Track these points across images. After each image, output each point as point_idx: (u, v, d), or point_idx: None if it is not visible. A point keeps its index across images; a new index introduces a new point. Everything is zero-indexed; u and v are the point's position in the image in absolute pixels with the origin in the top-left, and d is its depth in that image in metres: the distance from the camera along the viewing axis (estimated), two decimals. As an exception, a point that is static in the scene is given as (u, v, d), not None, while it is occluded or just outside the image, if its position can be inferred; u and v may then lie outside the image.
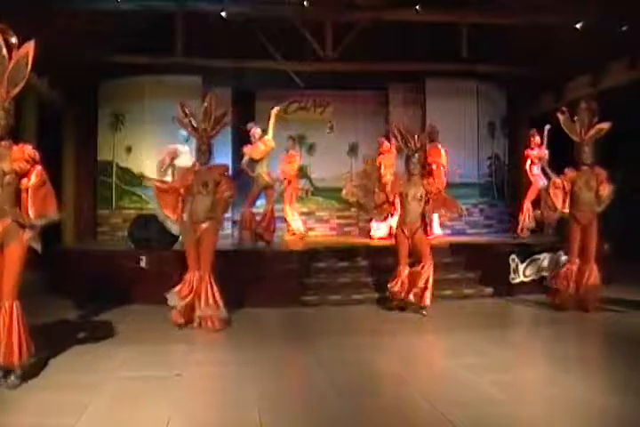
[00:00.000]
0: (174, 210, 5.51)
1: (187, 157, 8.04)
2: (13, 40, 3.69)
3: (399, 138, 6.34)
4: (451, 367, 4.24)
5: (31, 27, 6.60)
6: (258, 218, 8.31)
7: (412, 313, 6.07)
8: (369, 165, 10.86)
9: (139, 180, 9.85)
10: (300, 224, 9.28)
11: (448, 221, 8.94)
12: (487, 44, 9.49)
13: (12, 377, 3.63)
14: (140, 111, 10.07)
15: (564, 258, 6.83)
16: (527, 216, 9.02)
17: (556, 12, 8.27)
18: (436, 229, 8.84)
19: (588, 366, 4.19)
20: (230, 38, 9.57)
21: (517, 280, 7.48)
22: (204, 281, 5.33)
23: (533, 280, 7.43)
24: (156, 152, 8.91)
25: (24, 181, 3.72)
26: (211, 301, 5.31)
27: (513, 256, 7.52)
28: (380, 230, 9.14)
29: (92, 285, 6.75)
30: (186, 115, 5.55)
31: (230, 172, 5.89)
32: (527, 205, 9.06)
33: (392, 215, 7.61)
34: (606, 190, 6.08)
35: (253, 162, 8.25)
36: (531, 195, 9.06)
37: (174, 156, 8.31)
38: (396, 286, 6.15)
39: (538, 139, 8.97)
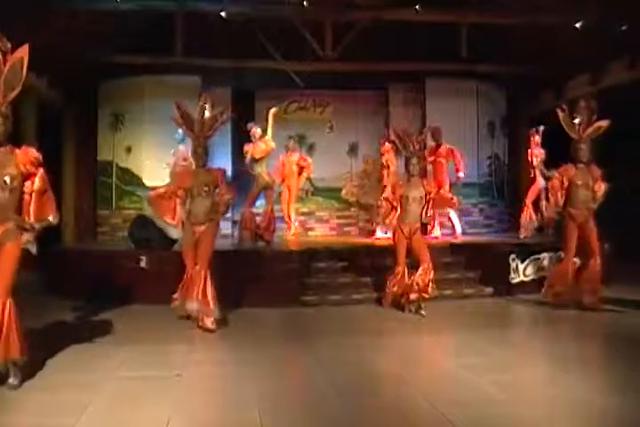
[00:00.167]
0: (173, 215, 5.49)
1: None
2: (7, 44, 3.67)
3: (398, 141, 6.34)
4: (451, 367, 4.25)
5: (31, 27, 6.64)
6: (258, 218, 8.31)
7: (412, 313, 6.07)
8: (369, 164, 10.86)
9: (139, 180, 9.85)
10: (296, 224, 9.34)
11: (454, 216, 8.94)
12: (487, 44, 9.49)
13: (11, 378, 3.61)
14: (140, 111, 10.07)
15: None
16: (529, 216, 9.02)
17: (555, 12, 8.27)
18: (436, 231, 8.85)
19: (588, 366, 4.18)
20: (230, 38, 9.57)
21: (517, 280, 7.48)
22: (200, 277, 5.25)
23: (533, 280, 7.43)
24: (156, 152, 8.90)
25: (27, 184, 3.75)
26: (200, 296, 5.16)
27: (513, 256, 7.52)
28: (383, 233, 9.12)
29: (92, 285, 6.75)
30: (182, 115, 5.53)
31: (230, 172, 5.88)
32: (528, 204, 9.06)
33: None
34: (601, 188, 6.10)
35: (254, 161, 8.24)
36: (531, 194, 9.06)
37: (185, 157, 8.23)
38: (395, 286, 6.16)
39: (538, 138, 8.99)
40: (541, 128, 8.86)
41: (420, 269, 6.02)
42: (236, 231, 9.06)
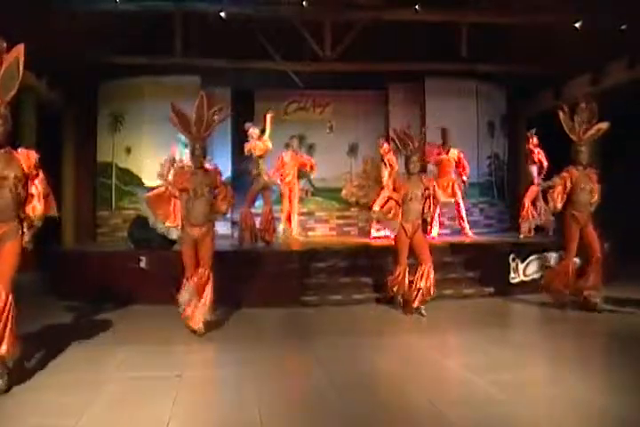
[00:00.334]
0: (173, 217, 5.48)
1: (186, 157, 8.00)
2: (3, 44, 3.66)
3: (397, 140, 6.34)
4: (451, 367, 4.25)
5: (31, 27, 6.64)
6: (257, 218, 8.31)
7: (412, 313, 6.07)
8: (369, 164, 10.87)
9: (138, 180, 9.84)
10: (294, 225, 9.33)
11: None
12: (487, 44, 9.50)
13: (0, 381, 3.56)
14: (140, 112, 10.07)
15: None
16: (529, 215, 9.02)
17: (555, 12, 8.28)
18: (435, 231, 8.85)
19: (588, 366, 4.18)
20: (229, 38, 9.57)
21: (517, 280, 7.48)
22: (203, 277, 5.26)
23: (533, 280, 7.43)
24: (156, 153, 8.88)
25: (28, 185, 3.80)
26: (204, 300, 5.18)
27: (513, 256, 7.52)
28: (381, 231, 9.13)
29: (92, 285, 6.75)
30: (178, 116, 5.50)
31: (230, 173, 5.87)
32: (528, 204, 9.07)
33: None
34: (596, 192, 6.14)
35: (254, 159, 8.22)
36: (530, 194, 9.07)
37: (174, 161, 8.22)
38: (395, 286, 6.16)
39: (536, 139, 9.02)
40: (533, 130, 9.03)
41: (421, 271, 6.02)
42: (236, 232, 9.06)
